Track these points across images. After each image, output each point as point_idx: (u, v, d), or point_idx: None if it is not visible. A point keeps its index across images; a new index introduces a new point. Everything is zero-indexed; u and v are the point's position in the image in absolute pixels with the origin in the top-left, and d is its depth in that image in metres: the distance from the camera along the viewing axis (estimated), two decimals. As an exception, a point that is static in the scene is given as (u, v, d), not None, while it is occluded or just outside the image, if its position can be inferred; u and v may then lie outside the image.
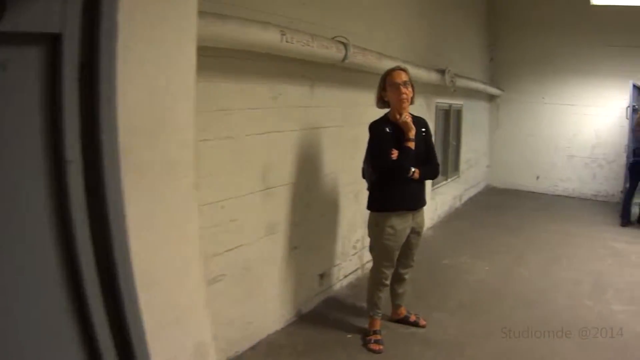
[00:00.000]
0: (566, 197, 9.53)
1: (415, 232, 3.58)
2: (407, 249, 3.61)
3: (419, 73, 4.96)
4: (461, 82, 6.92)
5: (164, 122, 1.29)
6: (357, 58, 3.84)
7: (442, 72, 6.09)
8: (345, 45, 3.66)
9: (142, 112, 1.23)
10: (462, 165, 8.38)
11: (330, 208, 4.27)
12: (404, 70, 3.43)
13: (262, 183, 3.32)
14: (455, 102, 7.66)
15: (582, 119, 9.34)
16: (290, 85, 3.53)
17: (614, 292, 4.72)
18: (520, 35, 9.64)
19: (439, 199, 7.07)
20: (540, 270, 5.28)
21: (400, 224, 3.42)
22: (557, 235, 6.73)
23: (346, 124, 4.33)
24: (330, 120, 4.09)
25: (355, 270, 4.78)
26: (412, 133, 3.34)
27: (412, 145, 3.32)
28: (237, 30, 2.63)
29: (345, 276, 4.60)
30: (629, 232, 7.10)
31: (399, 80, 3.33)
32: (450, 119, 7.63)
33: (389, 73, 3.42)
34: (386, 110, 3.50)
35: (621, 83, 8.45)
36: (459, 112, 8.02)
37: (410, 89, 3.37)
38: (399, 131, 3.35)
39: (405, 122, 3.34)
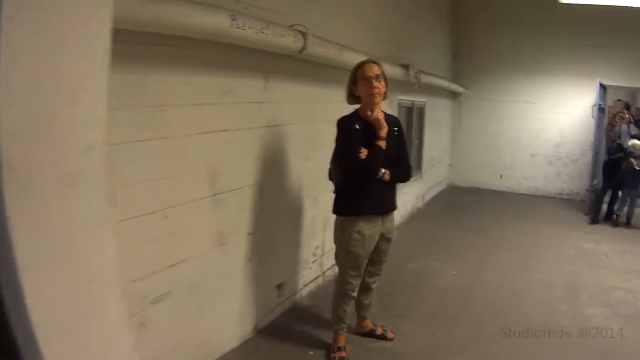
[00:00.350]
0: (530, 195, 9.68)
1: (385, 238, 3.38)
2: (376, 256, 3.42)
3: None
4: (426, 79, 6.80)
5: (63, 123, 0.98)
6: (316, 49, 3.60)
7: (405, 67, 5.92)
8: (303, 34, 3.41)
9: (31, 109, 0.93)
10: (425, 164, 8.32)
11: (287, 213, 4.02)
12: (376, 63, 3.23)
13: (210, 188, 3.02)
14: (418, 99, 7.55)
15: (546, 118, 9.49)
16: (241, 79, 3.24)
17: (588, 295, 4.69)
18: (484, 33, 9.71)
19: (402, 199, 6.87)
20: (509, 273, 5.21)
21: (368, 230, 3.21)
22: (523, 235, 6.71)
23: (304, 122, 4.10)
24: (286, 118, 3.83)
25: (316, 278, 4.57)
26: (384, 131, 3.14)
27: (383, 144, 3.12)
28: (180, 13, 2.32)
29: (305, 285, 4.39)
30: (596, 230, 7.19)
31: (370, 74, 3.13)
32: (413, 116, 7.52)
33: (360, 66, 3.22)
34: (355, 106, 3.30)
35: (586, 82, 8.61)
36: (421, 110, 7.92)
37: (383, 83, 3.17)
38: (370, 129, 3.15)
39: (377, 119, 3.14)
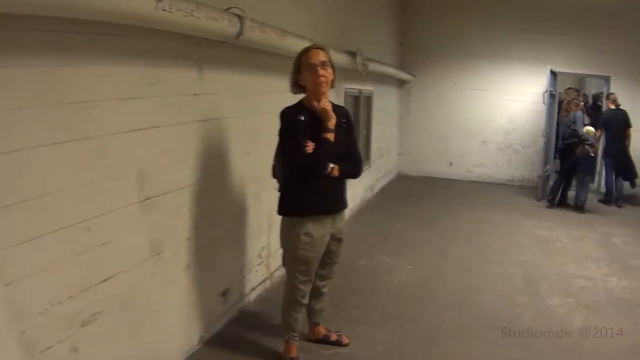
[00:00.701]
0: (481, 182, 9.88)
1: (336, 239, 3.25)
2: (327, 258, 3.28)
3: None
4: (373, 66, 6.74)
5: None
6: (255, 34, 3.39)
7: (352, 54, 5.81)
8: (240, 18, 3.18)
9: None
10: (373, 154, 8.32)
11: (228, 214, 3.84)
12: (323, 49, 3.07)
13: (140, 192, 2.77)
14: (366, 87, 7.48)
15: (496, 104, 9.70)
16: (172, 68, 3.00)
17: (548, 285, 4.73)
18: (431, 19, 9.78)
19: (350, 192, 6.73)
20: (465, 265, 5.21)
21: (317, 231, 3.07)
22: (477, 225, 6.78)
23: (244, 114, 3.92)
24: (224, 111, 3.63)
25: (263, 281, 4.43)
26: (332, 122, 2.99)
27: (331, 136, 2.97)
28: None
29: (253, 289, 4.24)
30: (549, 217, 7.37)
31: (316, 61, 2.96)
32: (361, 105, 7.45)
33: (305, 52, 3.05)
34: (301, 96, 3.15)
35: (536, 69, 8.83)
36: (369, 99, 7.87)
37: (330, 70, 3.02)
38: (316, 120, 3.00)
39: (324, 110, 2.99)
